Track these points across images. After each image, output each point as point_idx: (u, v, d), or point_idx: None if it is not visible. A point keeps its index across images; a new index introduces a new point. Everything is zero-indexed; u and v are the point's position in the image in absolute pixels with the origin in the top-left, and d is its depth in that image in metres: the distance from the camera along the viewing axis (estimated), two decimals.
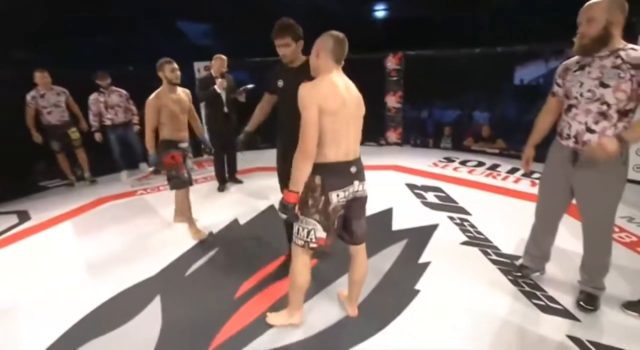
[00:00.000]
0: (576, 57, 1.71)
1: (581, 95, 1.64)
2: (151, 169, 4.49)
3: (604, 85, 1.57)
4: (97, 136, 4.25)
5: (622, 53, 1.55)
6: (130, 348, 1.71)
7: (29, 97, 3.84)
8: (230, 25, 6.66)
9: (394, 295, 2.00)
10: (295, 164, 1.45)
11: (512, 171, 4.09)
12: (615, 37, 1.56)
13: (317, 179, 1.49)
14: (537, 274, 2.11)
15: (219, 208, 3.37)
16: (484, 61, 4.91)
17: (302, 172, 1.46)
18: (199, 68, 5.26)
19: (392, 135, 5.60)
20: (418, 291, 2.03)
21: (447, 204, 3.24)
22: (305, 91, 1.45)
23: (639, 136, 1.55)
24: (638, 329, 1.69)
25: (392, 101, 5.41)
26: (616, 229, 2.51)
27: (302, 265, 1.65)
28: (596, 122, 1.62)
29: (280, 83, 2.00)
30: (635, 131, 1.55)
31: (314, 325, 1.80)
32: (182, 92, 2.70)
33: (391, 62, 5.23)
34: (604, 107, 1.59)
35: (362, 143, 2.24)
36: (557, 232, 1.98)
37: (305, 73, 1.89)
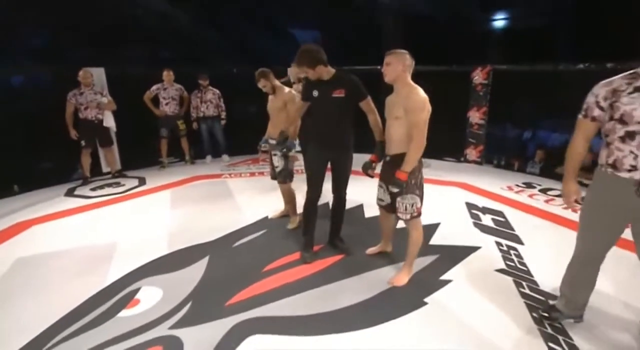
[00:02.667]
0: (624, 79, 1.53)
1: None
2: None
3: None
4: (194, 125, 5.24)
5: None
6: (176, 286, 2.22)
7: (154, 87, 4.90)
8: (336, 33, 7.20)
9: (396, 302, 2.07)
10: (415, 153, 1.97)
11: None
12: None
13: (418, 162, 2.03)
14: (572, 320, 1.89)
15: (276, 200, 3.78)
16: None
17: (417, 159, 2.00)
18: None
19: (471, 153, 5.29)
20: (425, 303, 2.06)
21: (500, 230, 3.03)
22: (421, 97, 1.95)
23: None
24: None
25: (476, 117, 5.12)
26: None
27: (420, 233, 2.19)
28: None
29: (315, 93, 2.30)
30: None
31: (314, 306, 2.02)
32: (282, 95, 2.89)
33: (478, 76, 4.96)
34: None
35: (440, 158, 2.39)
36: (597, 277, 1.77)
37: (333, 83, 2.25)
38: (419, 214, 2.14)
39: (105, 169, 4.91)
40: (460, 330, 1.85)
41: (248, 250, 2.71)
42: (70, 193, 4.17)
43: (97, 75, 4.64)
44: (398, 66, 2.02)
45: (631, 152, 1.51)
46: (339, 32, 7.14)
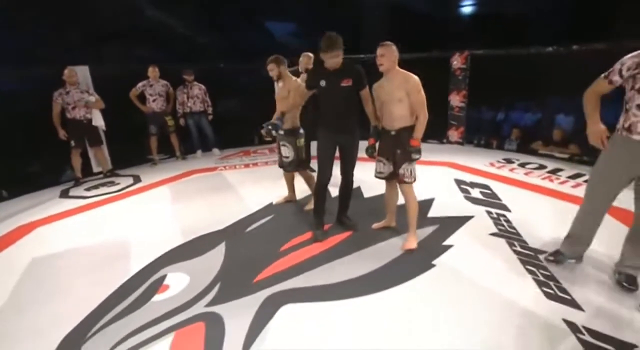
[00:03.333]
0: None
1: None
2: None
3: None
4: (181, 121, 5.25)
5: None
6: (201, 270, 2.35)
7: (140, 84, 4.87)
8: (313, 26, 7.28)
9: (409, 266, 2.30)
10: (423, 125, 2.35)
11: (575, 176, 3.90)
12: None
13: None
14: (573, 261, 2.23)
15: (281, 186, 3.94)
16: (567, 60, 4.65)
17: (424, 128, 2.36)
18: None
19: (453, 134, 5.62)
20: (433, 265, 2.30)
21: (489, 200, 3.33)
22: (417, 79, 2.33)
23: None
24: (630, 323, 1.74)
25: (456, 100, 5.43)
26: None
27: (415, 199, 2.51)
28: None
29: (322, 83, 2.46)
30: None
31: (336, 276, 2.22)
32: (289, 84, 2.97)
33: (457, 61, 5.26)
34: None
35: (424, 140, 2.65)
36: (603, 219, 2.08)
37: (341, 72, 2.42)
38: (415, 180, 2.47)
39: (96, 168, 4.87)
40: (467, 284, 2.11)
41: (261, 234, 2.86)
42: (65, 194, 4.14)
43: (82, 73, 4.55)
44: (391, 56, 2.32)
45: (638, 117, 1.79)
46: (316, 23, 7.23)
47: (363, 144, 2.56)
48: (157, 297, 2.12)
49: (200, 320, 1.89)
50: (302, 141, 3.06)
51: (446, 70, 5.38)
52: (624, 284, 1.99)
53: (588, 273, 2.16)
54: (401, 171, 2.44)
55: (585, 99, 1.97)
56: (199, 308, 1.99)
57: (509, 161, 4.61)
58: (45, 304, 2.13)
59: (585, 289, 2.01)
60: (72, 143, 4.29)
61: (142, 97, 4.97)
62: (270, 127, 2.64)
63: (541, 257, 2.34)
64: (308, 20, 7.29)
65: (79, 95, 4.26)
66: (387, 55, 2.31)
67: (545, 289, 2.03)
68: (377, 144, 2.57)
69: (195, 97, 5.26)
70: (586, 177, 3.82)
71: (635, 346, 1.60)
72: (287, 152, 3.00)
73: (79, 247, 2.81)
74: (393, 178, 2.56)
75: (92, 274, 2.42)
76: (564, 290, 2.01)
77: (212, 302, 2.04)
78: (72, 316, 1.98)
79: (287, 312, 1.93)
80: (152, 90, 4.93)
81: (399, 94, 2.32)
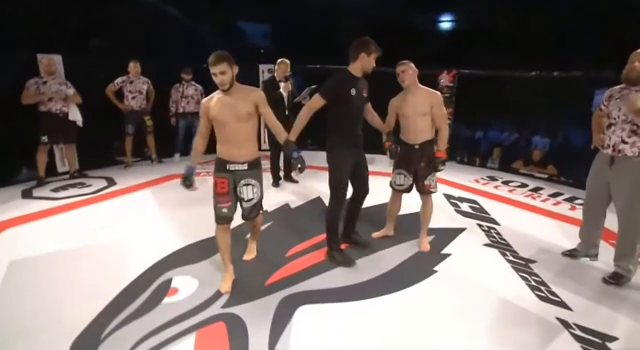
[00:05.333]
0: (620, 86, 2.45)
1: (618, 117, 2.43)
2: None
3: None
4: (172, 120, 5.32)
5: None
6: (209, 274, 2.50)
7: (119, 79, 4.88)
8: (288, 28, 7.61)
9: (413, 272, 2.62)
10: (446, 136, 2.75)
11: (555, 195, 4.49)
12: None
13: None
14: (588, 259, 2.82)
15: (273, 194, 4.14)
16: (545, 85, 5.35)
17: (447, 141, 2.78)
18: (263, 70, 6.21)
19: None
20: (435, 271, 2.63)
21: (478, 214, 3.77)
22: (440, 95, 2.75)
23: None
24: (621, 320, 2.16)
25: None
26: None
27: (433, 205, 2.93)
28: (629, 137, 2.39)
29: (353, 91, 2.49)
30: None
31: (346, 280, 2.48)
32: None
33: (444, 79, 5.83)
34: (634, 127, 2.36)
35: None
36: (602, 226, 2.71)
37: (364, 82, 2.62)
38: (437, 190, 2.92)
39: (61, 168, 4.77)
40: (467, 288, 2.45)
41: (264, 239, 3.04)
42: (28, 195, 4.05)
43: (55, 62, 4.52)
44: (412, 72, 2.66)
45: (609, 136, 2.50)
46: (290, 28, 7.56)
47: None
48: (167, 300, 2.24)
49: (219, 320, 2.06)
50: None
51: (433, 88, 5.91)
52: (605, 278, 2.54)
53: (573, 278, 2.59)
54: (427, 182, 2.81)
55: (594, 121, 2.75)
56: (216, 309, 2.16)
57: (492, 179, 5.16)
58: (41, 310, 2.16)
59: (572, 291, 2.43)
60: (44, 139, 4.21)
61: (119, 94, 4.98)
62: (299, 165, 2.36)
63: (532, 265, 2.75)
64: (279, 24, 7.59)
65: (57, 87, 4.23)
66: (409, 71, 2.67)
67: (537, 293, 2.42)
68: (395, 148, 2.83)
69: (189, 97, 5.36)
70: (565, 196, 4.42)
71: (617, 338, 2.00)
72: (253, 192, 2.31)
73: (63, 250, 2.83)
74: (409, 191, 2.90)
75: (86, 279, 2.47)
76: (554, 293, 2.41)
77: (228, 304, 2.21)
78: (79, 319, 2.05)
79: (306, 312, 2.15)
80: (132, 87, 4.97)
81: (424, 108, 2.67)
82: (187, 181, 2.38)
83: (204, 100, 2.26)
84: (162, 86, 5.37)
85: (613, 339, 2.00)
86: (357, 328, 2.04)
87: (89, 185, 4.40)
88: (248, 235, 2.88)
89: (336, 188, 2.60)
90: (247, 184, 2.30)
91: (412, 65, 2.70)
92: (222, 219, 2.36)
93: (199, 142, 2.38)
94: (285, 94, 4.22)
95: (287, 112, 4.23)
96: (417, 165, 2.80)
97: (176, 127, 5.49)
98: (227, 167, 2.26)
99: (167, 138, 5.59)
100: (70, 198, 3.97)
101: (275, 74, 4.28)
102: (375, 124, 2.86)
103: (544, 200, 4.30)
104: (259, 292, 2.32)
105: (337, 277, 2.53)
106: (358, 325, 2.07)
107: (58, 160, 4.75)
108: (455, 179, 4.99)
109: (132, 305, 2.19)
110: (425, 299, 2.33)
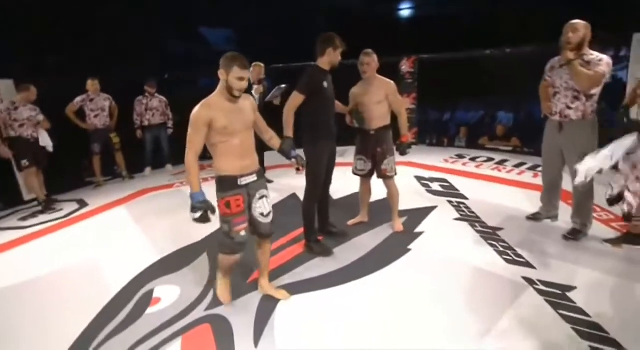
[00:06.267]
0: (559, 57, 2.63)
1: (561, 85, 2.62)
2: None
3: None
4: (138, 133, 5.28)
5: (584, 57, 2.46)
6: (190, 280, 2.54)
7: (79, 98, 4.81)
8: (252, 31, 7.66)
9: (389, 253, 2.74)
10: (406, 121, 2.90)
11: (519, 165, 4.73)
12: (584, 46, 2.47)
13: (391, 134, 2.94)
14: (550, 220, 3.01)
15: None
16: (503, 62, 5.59)
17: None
18: None
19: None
20: (409, 250, 2.77)
21: (448, 191, 3.95)
22: (394, 83, 2.89)
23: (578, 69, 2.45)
24: (580, 272, 2.34)
25: (407, 103, 6.15)
26: (597, 209, 3.12)
27: (397, 188, 3.03)
28: (572, 102, 2.58)
29: (325, 84, 2.60)
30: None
31: (325, 268, 2.57)
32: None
33: (405, 65, 6.00)
34: (576, 93, 2.55)
35: None
36: (560, 188, 2.92)
37: (329, 74, 2.70)
38: (396, 173, 3.00)
39: (26, 196, 4.65)
40: (440, 260, 2.60)
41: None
42: None
43: (6, 88, 4.41)
44: (374, 65, 2.81)
45: (555, 103, 2.70)
46: (253, 31, 7.63)
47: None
48: (150, 310, 2.27)
49: (204, 323, 2.11)
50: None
51: (395, 75, 6.09)
52: (565, 234, 2.74)
53: (537, 239, 2.78)
54: (384, 166, 2.92)
55: (542, 91, 2.88)
56: (200, 312, 2.20)
57: (460, 157, 5.38)
58: (25, 337, 2.16)
59: (535, 251, 2.62)
60: (25, 163, 4.15)
61: (80, 114, 4.89)
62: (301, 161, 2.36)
63: (499, 233, 2.92)
64: (245, 26, 7.67)
65: (29, 113, 4.17)
66: (372, 63, 2.80)
67: (505, 257, 2.59)
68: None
69: (154, 109, 5.33)
70: (528, 165, 4.67)
71: (575, 287, 2.18)
72: (268, 204, 2.16)
73: (38, 278, 2.79)
74: (371, 175, 3.02)
75: (69, 299, 2.47)
76: (520, 256, 2.59)
77: (211, 306, 2.26)
78: (65, 339, 2.06)
79: (287, 304, 2.23)
80: (94, 105, 4.89)
81: (379, 97, 2.81)
82: (206, 208, 1.95)
83: (201, 110, 1.91)
84: (125, 101, 5.30)
85: (572, 289, 2.18)
86: (338, 313, 2.14)
87: (60, 210, 4.32)
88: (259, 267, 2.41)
89: (314, 181, 2.70)
90: (262, 196, 2.10)
91: (375, 57, 2.83)
92: (239, 246, 2.07)
93: (195, 161, 1.96)
94: (256, 97, 4.26)
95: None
96: (374, 151, 2.92)
97: (143, 141, 5.44)
98: (239, 182, 2.02)
99: (135, 153, 5.54)
100: (41, 225, 3.89)
101: (251, 78, 4.34)
102: (339, 109, 2.96)
103: (509, 171, 4.53)
104: (241, 291, 2.38)
105: (316, 266, 2.62)
106: (338, 310, 2.16)
107: (22, 188, 4.63)
108: (425, 161, 5.17)
109: (116, 318, 2.21)
110: (401, 276, 2.45)
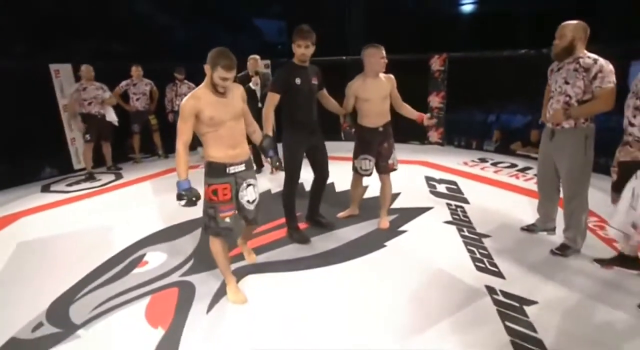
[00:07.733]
0: (554, 64, 2.51)
1: (555, 90, 2.46)
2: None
3: (567, 82, 2.36)
4: (170, 117, 5.74)
5: (580, 60, 2.30)
6: (178, 250, 2.83)
7: (123, 83, 5.37)
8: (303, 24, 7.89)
9: (363, 246, 2.80)
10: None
11: None
12: (578, 48, 2.31)
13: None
14: (545, 233, 2.86)
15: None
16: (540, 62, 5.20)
17: None
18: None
19: (433, 135, 6.16)
20: (384, 246, 2.80)
21: (452, 194, 3.84)
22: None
23: (578, 114, 2.34)
24: (548, 288, 2.23)
25: (435, 101, 5.98)
26: (604, 226, 2.90)
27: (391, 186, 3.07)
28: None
29: (298, 81, 2.60)
30: (575, 110, 2.34)
31: (296, 254, 2.70)
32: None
33: (435, 63, 5.82)
34: (567, 99, 2.37)
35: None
36: (556, 200, 2.74)
37: (313, 70, 2.73)
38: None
39: (76, 165, 5.32)
40: (408, 258, 2.61)
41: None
42: (46, 190, 4.60)
43: (65, 72, 5.05)
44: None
45: (549, 109, 2.53)
46: (305, 23, 7.82)
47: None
48: (136, 271, 2.59)
49: (174, 287, 2.37)
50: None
51: (425, 72, 5.93)
52: (553, 249, 2.59)
53: (521, 250, 2.66)
54: (390, 161, 2.98)
55: (546, 96, 2.66)
56: (174, 277, 2.47)
57: (483, 160, 5.15)
58: (34, 278, 2.58)
59: (513, 262, 2.51)
60: (87, 137, 4.78)
61: (125, 96, 5.46)
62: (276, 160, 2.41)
63: (484, 240, 2.84)
64: (295, 19, 7.90)
65: (95, 92, 4.78)
66: (385, 58, 2.82)
67: (478, 264, 2.52)
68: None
69: (183, 95, 5.72)
70: None
71: (536, 302, 2.09)
72: (255, 192, 2.25)
73: (63, 234, 3.27)
74: (371, 174, 3.05)
75: (76, 255, 2.87)
76: (495, 265, 2.51)
77: (186, 273, 2.51)
78: (60, 286, 2.43)
79: (252, 280, 2.41)
80: (136, 89, 5.43)
81: (384, 92, 2.85)
82: (191, 196, 2.08)
83: (188, 100, 1.97)
84: (164, 86, 5.80)
85: (532, 303, 2.09)
86: (297, 295, 2.27)
87: (99, 180, 4.89)
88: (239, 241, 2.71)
89: (289, 174, 2.81)
90: (249, 185, 2.20)
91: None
92: (226, 230, 2.16)
93: (185, 152, 2.09)
94: (254, 88, 4.39)
95: (259, 104, 4.34)
96: (380, 147, 2.94)
97: (174, 124, 5.89)
98: (227, 170, 2.11)
99: (173, 135, 6.01)
100: (81, 191, 4.47)
101: (249, 70, 4.52)
102: (331, 108, 2.98)
103: (527, 179, 4.27)
104: (215, 264, 2.59)
105: (288, 251, 2.77)
106: (298, 292, 2.30)
107: (74, 158, 5.30)
108: (443, 162, 5.04)
109: (105, 275, 2.55)
110: (366, 269, 2.52)
